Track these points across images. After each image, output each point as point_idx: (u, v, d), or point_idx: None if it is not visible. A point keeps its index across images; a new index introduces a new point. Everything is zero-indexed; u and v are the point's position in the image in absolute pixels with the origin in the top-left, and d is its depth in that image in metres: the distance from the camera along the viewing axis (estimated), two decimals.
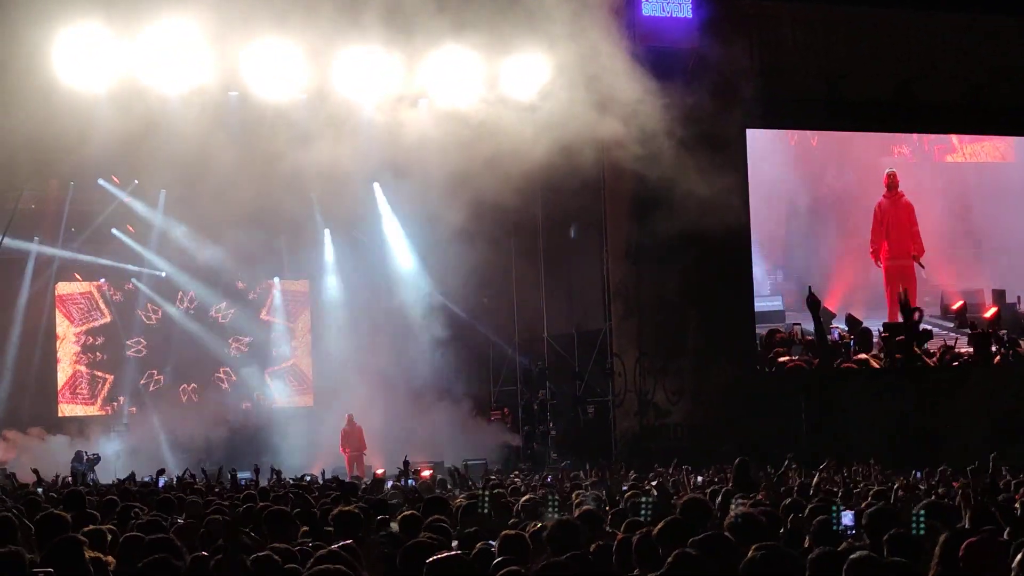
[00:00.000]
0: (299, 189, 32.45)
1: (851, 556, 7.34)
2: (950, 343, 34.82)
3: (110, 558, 7.97)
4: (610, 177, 32.16)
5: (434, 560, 6.95)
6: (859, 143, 35.46)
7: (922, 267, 35.17)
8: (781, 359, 33.08)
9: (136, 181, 33.05)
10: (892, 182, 35.11)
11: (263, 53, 28.35)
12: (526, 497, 13.87)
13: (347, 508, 11.46)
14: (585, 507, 11.93)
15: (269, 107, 28.90)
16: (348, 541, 9.24)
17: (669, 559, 7.37)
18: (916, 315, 34.15)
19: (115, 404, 34.88)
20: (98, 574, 7.62)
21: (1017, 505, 12.80)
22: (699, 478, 21.52)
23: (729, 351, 32.64)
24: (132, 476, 23.13)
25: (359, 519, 10.82)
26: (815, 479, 18.23)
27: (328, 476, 24.39)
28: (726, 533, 8.48)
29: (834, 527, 10.11)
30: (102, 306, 35.32)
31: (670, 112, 30.73)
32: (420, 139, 29.83)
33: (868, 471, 23.84)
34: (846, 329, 34.08)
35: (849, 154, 35.42)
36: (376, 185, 34.42)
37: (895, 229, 35.06)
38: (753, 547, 7.46)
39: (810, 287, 32.74)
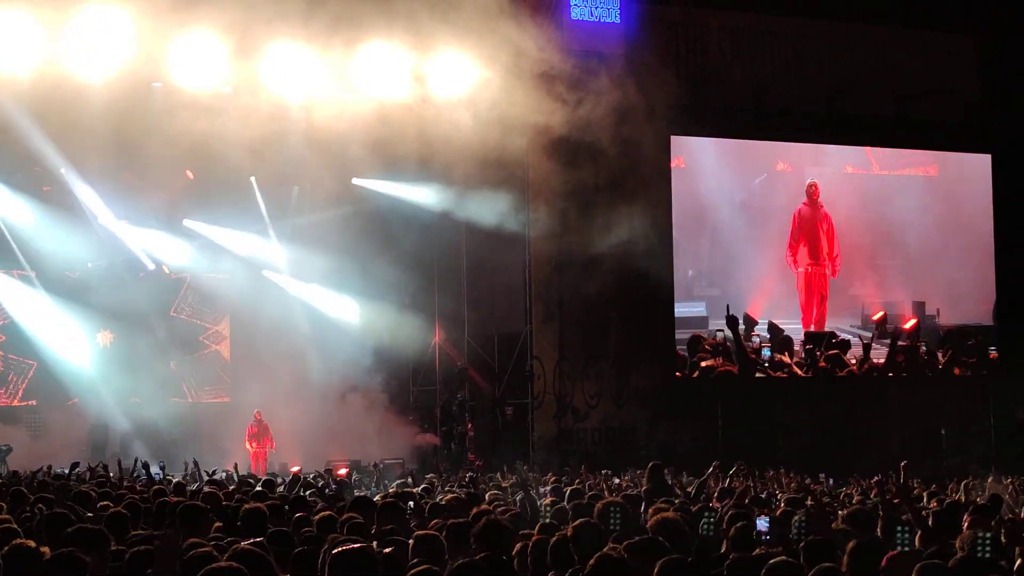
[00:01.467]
0: (228, 181, 32.37)
1: (770, 561, 7.35)
2: (870, 353, 35.22)
3: (45, 548, 7.81)
4: (534, 180, 32.17)
5: (340, 552, 6.87)
6: (787, 152, 35.70)
7: (833, 277, 35.51)
8: (705, 363, 33.24)
9: (63, 169, 32.56)
10: (813, 192, 35.41)
11: (189, 45, 28.01)
12: (450, 496, 13.82)
13: (258, 505, 11.36)
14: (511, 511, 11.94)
15: (193, 99, 28.54)
16: (259, 538, 9.14)
17: (591, 562, 7.34)
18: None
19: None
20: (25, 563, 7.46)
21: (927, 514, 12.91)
22: (616, 481, 21.55)
23: (649, 356, 32.76)
24: (48, 468, 22.76)
25: (268, 516, 10.72)
26: (730, 484, 18.28)
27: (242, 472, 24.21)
28: (648, 536, 8.48)
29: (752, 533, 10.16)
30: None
31: (596, 117, 30.79)
32: (344, 134, 29.64)
33: (782, 478, 24.01)
34: (768, 337, 34.30)
35: (775, 162, 35.62)
36: (296, 186, 34.28)
37: (812, 238, 35.38)
38: (659, 563, 7.46)
39: (728, 306, 32.94)
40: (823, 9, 34.82)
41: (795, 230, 35.29)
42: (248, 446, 31.86)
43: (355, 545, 7.09)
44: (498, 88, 29.04)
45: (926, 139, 36.35)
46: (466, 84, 29.63)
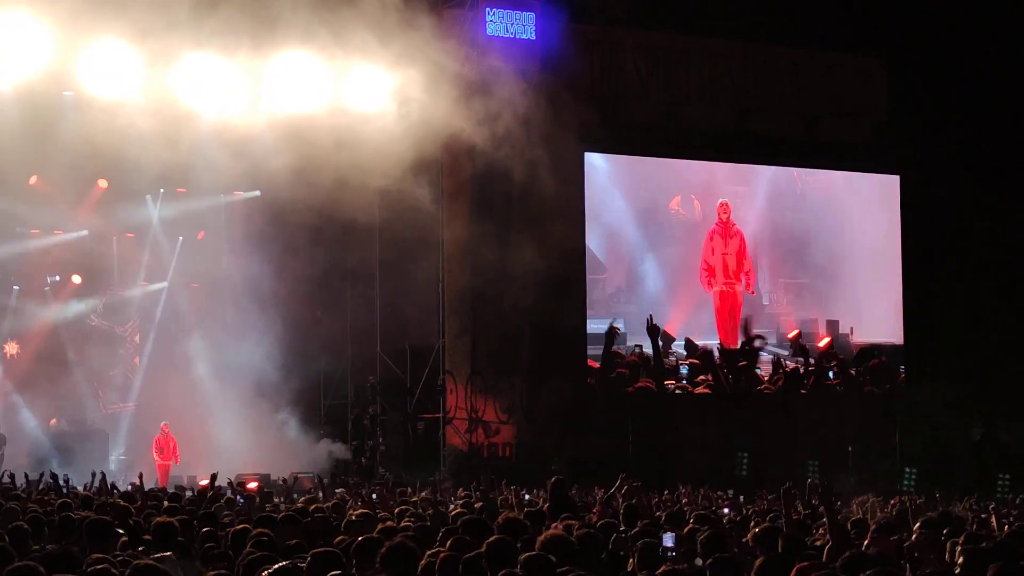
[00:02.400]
0: (136, 192, 32.14)
1: None
2: (784, 368, 35.70)
3: None
4: (448, 194, 32.24)
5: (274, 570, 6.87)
6: (702, 170, 36.02)
7: (749, 294, 35.92)
8: (620, 370, 33.48)
9: None
10: (724, 211, 35.78)
11: (101, 53, 27.76)
12: (359, 511, 13.78)
13: (168, 519, 11.28)
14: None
15: (105, 108, 28.27)
16: (167, 553, 9.10)
17: None
18: (757, 342, 34.91)
19: None
20: None
21: (820, 532, 13.09)
22: (527, 496, 21.57)
23: (561, 370, 32.84)
24: None
25: (178, 530, 10.65)
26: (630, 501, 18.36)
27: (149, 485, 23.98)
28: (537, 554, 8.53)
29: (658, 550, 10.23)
30: None
31: (510, 132, 30.91)
32: (257, 143, 29.53)
33: (692, 494, 24.17)
34: (684, 354, 34.59)
35: (695, 181, 35.92)
36: (221, 195, 34.09)
37: (725, 258, 35.74)
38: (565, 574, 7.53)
39: (651, 315, 33.17)
40: (734, 29, 35.19)
41: (707, 250, 35.62)
42: (155, 458, 31.54)
43: (285, 564, 7.07)
44: (413, 102, 29.08)
45: (835, 159, 36.88)
46: (381, 97, 29.62)
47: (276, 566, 6.93)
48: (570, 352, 33.21)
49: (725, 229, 35.76)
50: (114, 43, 27.55)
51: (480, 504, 15.96)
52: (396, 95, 29.40)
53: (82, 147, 28.93)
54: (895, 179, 37.89)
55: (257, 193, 33.30)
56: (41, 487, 21.64)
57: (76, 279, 35.23)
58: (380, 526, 11.67)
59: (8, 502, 15.92)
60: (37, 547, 9.92)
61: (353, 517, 13.16)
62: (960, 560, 9.11)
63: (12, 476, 22.88)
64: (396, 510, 14.80)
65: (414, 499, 19.23)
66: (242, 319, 33.49)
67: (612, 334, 33.18)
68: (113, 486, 19.88)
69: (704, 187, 36.11)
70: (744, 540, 12.11)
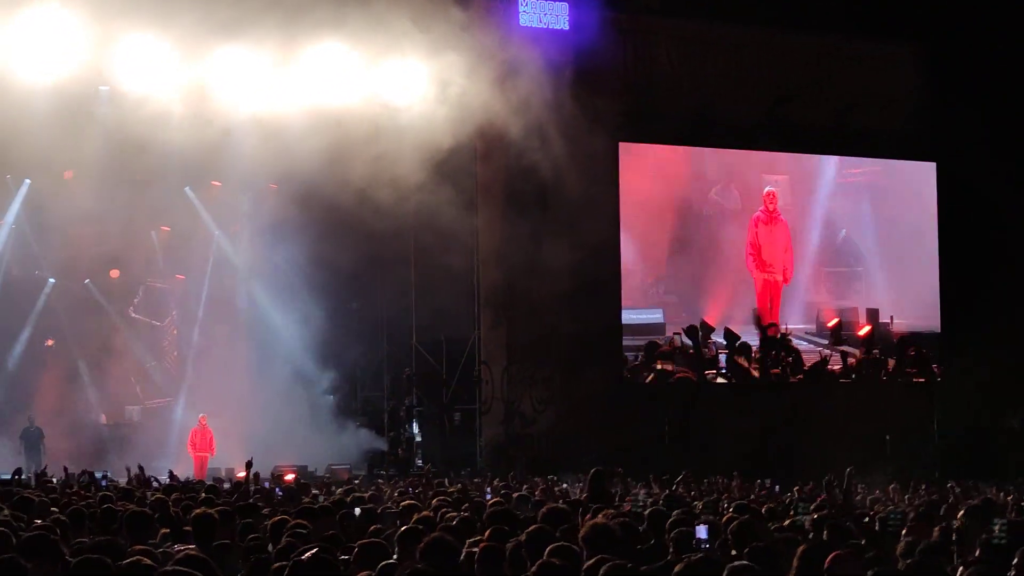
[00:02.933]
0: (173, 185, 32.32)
1: (730, 566, 7.46)
2: (824, 357, 35.66)
3: None
4: (483, 186, 32.26)
5: (299, 560, 6.91)
6: (744, 160, 35.96)
7: (785, 284, 35.82)
8: (661, 365, 33.49)
9: (8, 176, 32.39)
10: (772, 201, 35.70)
11: (137, 48, 27.95)
12: (406, 502, 13.83)
13: (207, 511, 11.33)
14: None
15: (140, 103, 28.44)
16: (211, 543, 9.15)
17: (533, 568, 7.42)
18: (771, 330, 34.90)
19: None
20: None
21: (868, 519, 13.07)
22: (564, 486, 21.62)
23: (597, 361, 32.82)
24: None
25: (218, 522, 10.71)
26: (676, 491, 18.40)
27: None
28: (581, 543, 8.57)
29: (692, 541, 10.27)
30: None
31: (543, 123, 30.92)
32: (293, 140, 29.64)
33: (727, 484, 24.17)
34: (724, 343, 34.53)
35: (734, 170, 35.85)
36: (260, 188, 34.22)
37: (768, 247, 35.64)
38: (605, 565, 7.55)
39: (691, 326, 33.37)
40: (768, 19, 35.02)
41: (752, 235, 35.53)
42: (191, 451, 31.67)
43: (314, 552, 7.11)
44: (446, 92, 29.10)
45: (870, 147, 36.69)
46: (414, 88, 29.67)
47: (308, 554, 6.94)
48: (606, 342, 33.17)
49: (771, 218, 35.68)
50: (148, 38, 27.72)
51: (516, 495, 15.97)
52: (429, 86, 29.44)
53: (118, 141, 29.06)
54: (931, 166, 37.70)
55: (273, 187, 33.30)
56: (81, 481, 21.78)
57: (114, 273, 35.39)
58: (417, 516, 11.71)
59: (47, 495, 16.03)
60: (82, 540, 9.96)
61: (393, 509, 13.23)
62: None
63: (44, 470, 23.01)
64: (433, 501, 14.82)
65: (451, 490, 19.27)
66: (278, 312, 33.59)
67: (695, 333, 33.34)
68: (153, 478, 19.99)
69: (743, 176, 36.00)
70: (781, 527, 12.12)
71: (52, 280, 34.60)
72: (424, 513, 12.06)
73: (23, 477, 21.79)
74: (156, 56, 28.01)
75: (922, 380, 36.93)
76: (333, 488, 22.13)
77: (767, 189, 35.85)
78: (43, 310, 34.55)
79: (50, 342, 34.68)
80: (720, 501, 16.67)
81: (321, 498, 15.99)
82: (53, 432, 31.91)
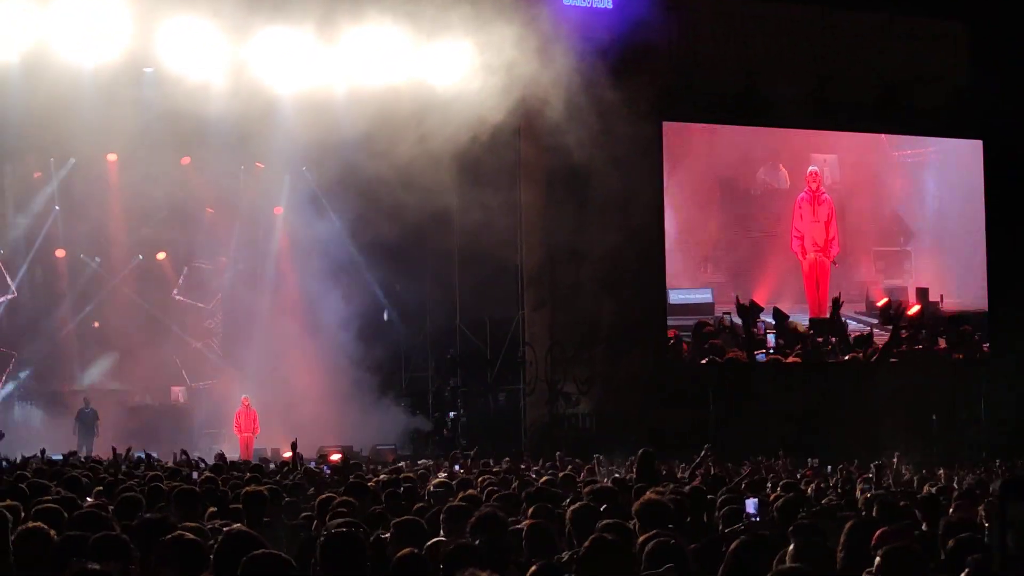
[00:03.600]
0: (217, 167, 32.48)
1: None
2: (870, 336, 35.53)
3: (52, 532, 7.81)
4: (526, 166, 32.20)
5: (328, 536, 6.94)
6: (792, 138, 35.74)
7: (835, 265, 35.62)
8: (712, 341, 33.43)
9: (52, 159, 32.61)
10: (814, 180, 35.52)
11: (181, 30, 28.07)
12: (436, 481, 13.88)
13: (257, 488, 11.40)
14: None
15: (185, 85, 28.57)
16: (260, 521, 9.20)
17: (585, 544, 7.41)
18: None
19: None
20: (33, 546, 7.49)
21: (915, 498, 12.99)
22: (612, 468, 21.62)
23: (641, 341, 32.77)
24: (42, 453, 22.71)
25: (267, 499, 10.78)
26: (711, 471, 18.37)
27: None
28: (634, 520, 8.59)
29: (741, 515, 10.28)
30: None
31: (588, 103, 30.83)
32: (337, 118, 29.74)
33: (773, 464, 24.12)
34: (772, 323, 34.39)
35: (782, 149, 35.61)
36: (302, 168, 34.34)
37: (812, 228, 35.46)
38: (654, 537, 7.56)
39: (737, 296, 33.21)
40: None
41: (796, 218, 35.38)
42: (236, 432, 31.87)
43: (343, 529, 7.12)
44: (490, 73, 29.06)
45: (916, 125, 36.39)
46: (458, 68, 29.65)
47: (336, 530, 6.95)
48: (650, 322, 33.07)
49: (814, 198, 35.49)
50: (192, 18, 27.83)
51: (562, 475, 15.96)
52: (472, 65, 29.40)
53: (163, 123, 29.24)
54: (978, 144, 37.38)
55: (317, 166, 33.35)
56: (129, 460, 21.94)
57: (160, 255, 35.61)
58: (462, 494, 11.73)
59: (95, 475, 16.14)
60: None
61: (431, 488, 13.28)
62: None
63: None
64: (479, 480, 14.85)
65: (496, 469, 19.31)
66: (322, 292, 33.67)
67: (746, 312, 33.36)
68: (200, 459, 20.11)
69: (791, 155, 35.77)
70: (828, 506, 12.09)
71: (98, 260, 34.84)
72: (470, 491, 12.08)
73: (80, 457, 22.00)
74: (200, 37, 28.12)
75: (970, 359, 36.65)
76: (378, 467, 22.26)
77: (810, 169, 35.63)
78: (90, 292, 34.81)
79: (97, 324, 34.94)
80: (765, 480, 16.64)
81: (367, 477, 16.00)
82: (104, 414, 32.22)
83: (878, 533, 8.19)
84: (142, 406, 33.91)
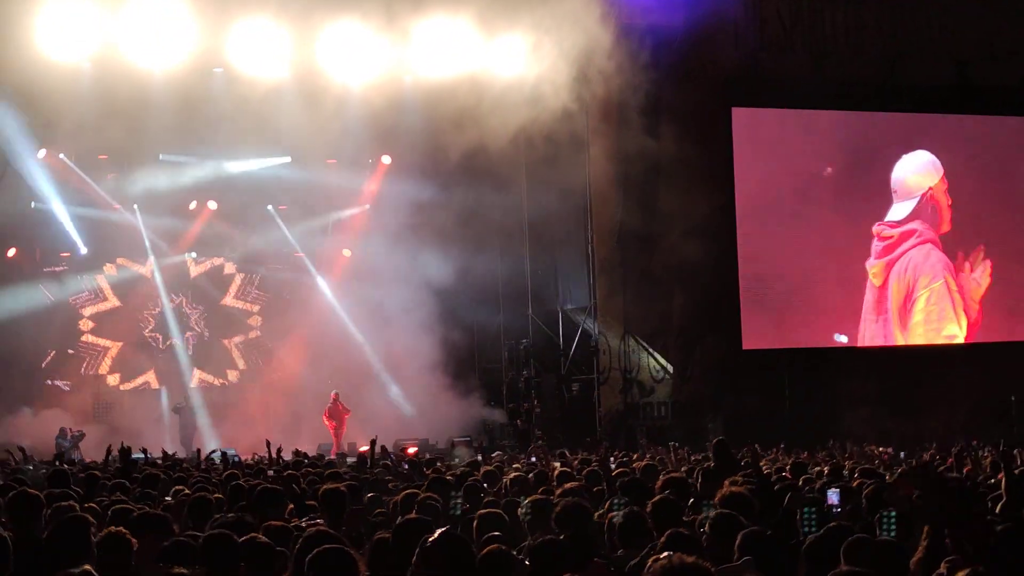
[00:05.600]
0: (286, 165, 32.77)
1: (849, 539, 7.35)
2: None
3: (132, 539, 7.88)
4: (594, 154, 32.10)
5: (427, 539, 6.91)
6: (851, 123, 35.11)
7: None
8: None
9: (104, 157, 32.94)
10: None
11: (248, 29, 28.35)
12: (514, 474, 13.86)
13: (336, 486, 11.42)
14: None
15: (254, 84, 28.82)
16: (340, 518, 9.24)
17: (662, 538, 7.39)
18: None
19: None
20: (118, 550, 7.56)
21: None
22: (693, 457, 21.51)
23: (714, 329, 32.62)
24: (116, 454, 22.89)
25: (346, 496, 10.81)
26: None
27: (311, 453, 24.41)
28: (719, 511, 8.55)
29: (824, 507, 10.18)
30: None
31: (655, 89, 30.75)
32: (405, 112, 29.90)
33: (845, 450, 23.99)
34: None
35: (852, 134, 34.90)
36: (369, 163, 34.50)
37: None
38: (740, 534, 7.53)
39: None
40: None
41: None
42: (326, 423, 32.10)
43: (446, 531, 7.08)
44: (558, 63, 29.01)
45: (988, 105, 35.68)
46: (525, 59, 29.61)
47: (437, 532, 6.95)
48: (723, 309, 32.88)
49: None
50: (259, 18, 28.07)
51: (642, 465, 15.89)
52: (540, 57, 29.34)
53: (234, 122, 29.49)
54: None
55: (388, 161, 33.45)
56: (209, 458, 22.10)
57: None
58: (543, 487, 11.73)
59: (174, 473, 16.28)
60: (218, 515, 10.09)
61: (507, 481, 13.28)
62: None
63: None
64: (555, 471, 14.82)
65: (572, 461, 19.29)
66: (392, 287, 33.73)
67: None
68: (278, 454, 20.23)
69: (874, 142, 34.94)
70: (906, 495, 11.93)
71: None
72: (567, 484, 12.06)
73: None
74: (267, 34, 28.39)
75: None
76: (455, 461, 22.31)
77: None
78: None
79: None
80: (842, 468, 16.50)
81: (446, 472, 16.03)
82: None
83: None
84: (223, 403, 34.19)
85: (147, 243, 34.43)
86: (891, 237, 34.56)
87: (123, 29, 27.67)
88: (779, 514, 9.81)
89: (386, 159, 34.07)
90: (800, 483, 12.88)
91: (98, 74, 27.92)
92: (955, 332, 34.98)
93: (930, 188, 34.89)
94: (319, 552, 6.65)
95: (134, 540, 7.67)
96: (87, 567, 6.48)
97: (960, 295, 35.10)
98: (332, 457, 25.15)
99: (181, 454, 23.98)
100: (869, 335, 34.16)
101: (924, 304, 34.70)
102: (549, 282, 34.48)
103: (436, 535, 6.71)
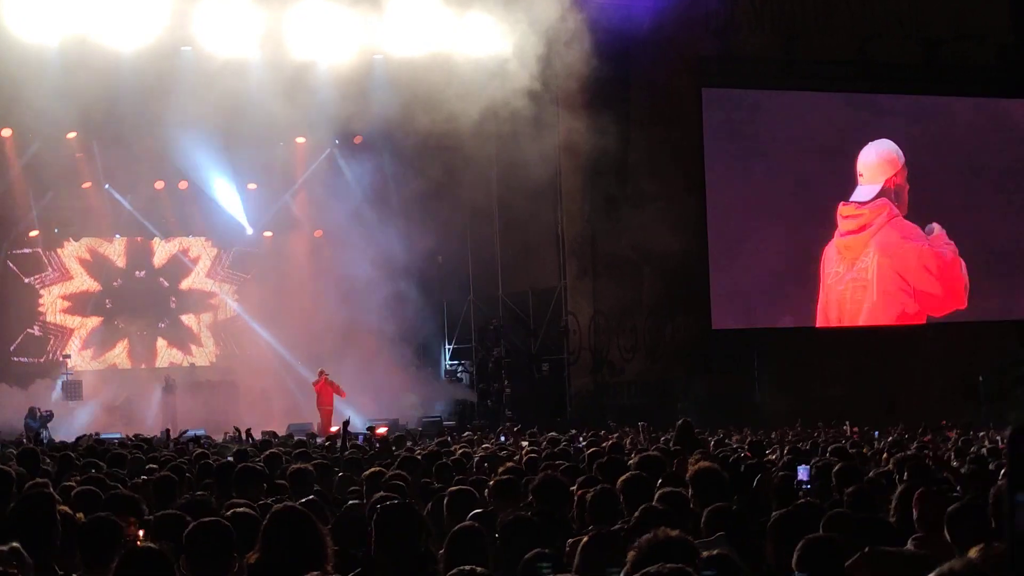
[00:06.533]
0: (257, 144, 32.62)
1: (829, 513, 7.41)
2: None
3: (80, 515, 7.82)
4: (564, 136, 32.04)
5: (384, 507, 6.94)
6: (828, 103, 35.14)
7: None
8: None
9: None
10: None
11: (216, 7, 28.23)
12: (483, 452, 13.90)
13: (303, 465, 11.42)
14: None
15: (222, 63, 28.69)
16: (309, 497, 9.22)
17: (636, 514, 7.39)
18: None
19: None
20: (66, 530, 7.52)
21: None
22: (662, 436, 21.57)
23: (683, 309, 32.66)
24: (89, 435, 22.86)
25: (314, 476, 10.81)
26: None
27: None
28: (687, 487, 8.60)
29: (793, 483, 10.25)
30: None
31: (626, 70, 30.73)
32: (375, 91, 29.81)
33: (818, 430, 24.10)
34: None
35: (821, 115, 34.91)
36: (336, 143, 34.39)
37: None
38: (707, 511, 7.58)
39: None
40: None
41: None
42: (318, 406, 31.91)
43: (396, 501, 7.13)
44: (527, 42, 28.95)
45: (959, 85, 35.74)
46: (494, 38, 29.56)
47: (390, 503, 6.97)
48: (692, 290, 32.89)
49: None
50: None
51: (608, 444, 15.93)
52: (512, 38, 29.27)
53: (203, 101, 29.34)
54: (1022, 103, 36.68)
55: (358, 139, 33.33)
56: (181, 439, 22.03)
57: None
58: (508, 465, 11.73)
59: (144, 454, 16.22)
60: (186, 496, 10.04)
61: (477, 457, 13.30)
62: None
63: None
64: (524, 450, 14.85)
65: (541, 440, 19.29)
66: (363, 267, 33.65)
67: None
68: (248, 433, 20.18)
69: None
70: (879, 471, 12.03)
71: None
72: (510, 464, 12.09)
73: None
74: (236, 14, 28.28)
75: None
76: (426, 440, 22.31)
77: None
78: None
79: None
80: (816, 445, 16.59)
81: (416, 450, 16.03)
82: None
83: (916, 495, 8.19)
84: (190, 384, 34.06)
85: (116, 222, 34.30)
86: (857, 216, 34.61)
87: (91, 8, 27.49)
88: (748, 492, 9.87)
89: (356, 137, 33.95)
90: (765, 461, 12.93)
91: (65, 53, 27.71)
92: (919, 310, 35.07)
93: (894, 173, 34.94)
94: (287, 526, 6.64)
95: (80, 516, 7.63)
96: (15, 544, 6.43)
97: (925, 274, 35.21)
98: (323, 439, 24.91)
99: (174, 433, 23.79)
100: (836, 315, 34.27)
101: (888, 283, 34.81)
102: (519, 262, 34.44)
103: (387, 504, 6.78)
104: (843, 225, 34.44)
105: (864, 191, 34.77)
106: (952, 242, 35.20)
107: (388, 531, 6.76)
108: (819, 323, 34.06)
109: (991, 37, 35.53)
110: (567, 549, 7.22)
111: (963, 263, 35.22)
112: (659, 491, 8.28)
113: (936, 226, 35.10)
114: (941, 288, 35.17)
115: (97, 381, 33.51)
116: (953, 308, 35.21)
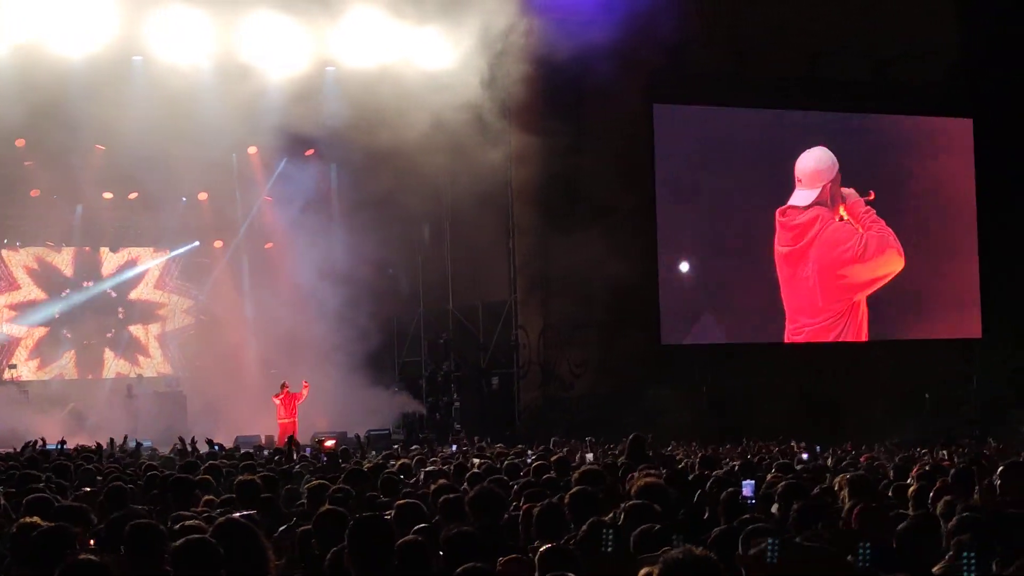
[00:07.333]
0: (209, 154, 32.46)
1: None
2: None
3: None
4: (515, 150, 32.06)
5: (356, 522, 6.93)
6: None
7: None
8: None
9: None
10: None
11: (168, 17, 28.11)
12: (432, 466, 13.88)
13: (250, 477, 11.38)
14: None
15: (173, 72, 28.56)
16: (251, 511, 9.18)
17: (584, 528, 7.41)
18: None
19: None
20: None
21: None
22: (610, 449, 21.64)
23: (634, 323, 32.71)
24: (32, 444, 22.62)
25: (260, 488, 10.77)
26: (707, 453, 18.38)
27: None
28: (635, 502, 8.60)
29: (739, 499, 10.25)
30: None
31: (576, 85, 30.77)
32: (326, 103, 29.76)
33: (766, 446, 24.20)
34: None
35: (770, 130, 35.15)
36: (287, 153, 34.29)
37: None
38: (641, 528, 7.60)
39: None
40: None
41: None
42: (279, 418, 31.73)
43: (370, 514, 7.12)
44: (478, 57, 29.02)
45: (907, 103, 36.04)
46: (446, 53, 29.61)
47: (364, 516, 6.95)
48: (642, 305, 32.98)
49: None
50: (180, 6, 27.83)
51: (555, 458, 15.94)
52: (460, 51, 29.33)
53: (154, 110, 29.19)
54: (968, 123, 37.00)
55: (310, 152, 33.26)
56: (122, 449, 21.90)
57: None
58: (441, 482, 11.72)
59: (90, 463, 16.10)
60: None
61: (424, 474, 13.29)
62: None
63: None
64: (473, 467, 14.83)
65: (489, 453, 19.30)
66: (313, 278, 33.55)
67: None
68: (192, 444, 20.06)
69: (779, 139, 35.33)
70: (823, 488, 12.06)
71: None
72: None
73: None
74: (188, 23, 28.16)
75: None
76: (372, 453, 22.26)
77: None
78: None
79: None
80: (759, 462, 16.63)
81: (364, 463, 15.99)
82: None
83: (856, 511, 8.25)
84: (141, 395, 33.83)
85: (64, 231, 34.10)
86: (796, 224, 34.90)
87: (41, 16, 27.32)
88: (692, 504, 9.89)
89: (307, 150, 33.86)
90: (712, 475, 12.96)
91: (15, 60, 27.51)
92: (862, 323, 35.33)
93: (830, 180, 35.23)
94: (229, 538, 6.62)
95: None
96: None
97: (865, 286, 35.51)
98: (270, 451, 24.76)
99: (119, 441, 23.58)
100: (784, 329, 34.49)
101: (831, 295, 35.10)
102: (470, 275, 34.41)
103: (361, 517, 6.77)
104: (782, 235, 34.72)
105: (801, 196, 35.06)
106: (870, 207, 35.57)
107: (362, 544, 6.72)
108: (768, 338, 34.27)
109: (939, 55, 35.70)
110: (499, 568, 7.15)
111: (892, 232, 35.56)
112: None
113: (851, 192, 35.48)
114: (877, 266, 35.53)
115: (43, 390, 33.31)
116: (892, 272, 35.45)
